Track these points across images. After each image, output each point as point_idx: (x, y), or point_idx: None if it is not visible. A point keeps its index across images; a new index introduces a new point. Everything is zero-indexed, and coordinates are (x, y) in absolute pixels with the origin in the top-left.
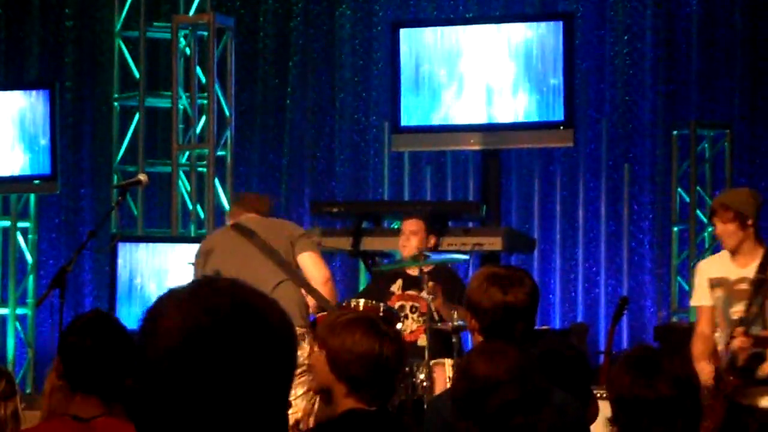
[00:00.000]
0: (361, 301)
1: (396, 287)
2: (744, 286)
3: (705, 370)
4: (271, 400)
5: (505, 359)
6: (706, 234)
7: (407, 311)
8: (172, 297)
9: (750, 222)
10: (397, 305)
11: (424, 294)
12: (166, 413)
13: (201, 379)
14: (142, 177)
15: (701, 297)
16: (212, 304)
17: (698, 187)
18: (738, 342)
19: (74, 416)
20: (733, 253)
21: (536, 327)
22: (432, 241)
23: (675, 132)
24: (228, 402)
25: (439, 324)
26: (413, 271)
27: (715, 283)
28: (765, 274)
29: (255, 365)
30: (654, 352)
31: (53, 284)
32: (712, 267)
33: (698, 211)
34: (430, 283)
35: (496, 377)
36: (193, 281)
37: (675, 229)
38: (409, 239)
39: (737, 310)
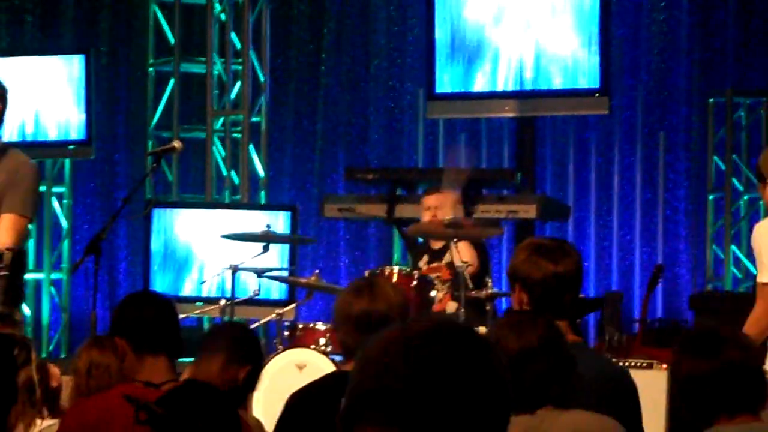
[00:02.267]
0: (395, 268)
1: (423, 263)
2: None
3: None
4: None
5: (535, 330)
6: (741, 202)
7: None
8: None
9: None
10: None
11: (456, 261)
12: None
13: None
14: (177, 144)
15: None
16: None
17: (734, 155)
18: None
19: (145, 382)
20: None
21: None
22: (460, 211)
23: (711, 99)
24: None
25: (473, 292)
26: (437, 245)
27: None
28: None
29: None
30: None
31: (88, 251)
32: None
33: (734, 179)
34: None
35: (529, 348)
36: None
37: (710, 197)
38: (425, 215)
39: None
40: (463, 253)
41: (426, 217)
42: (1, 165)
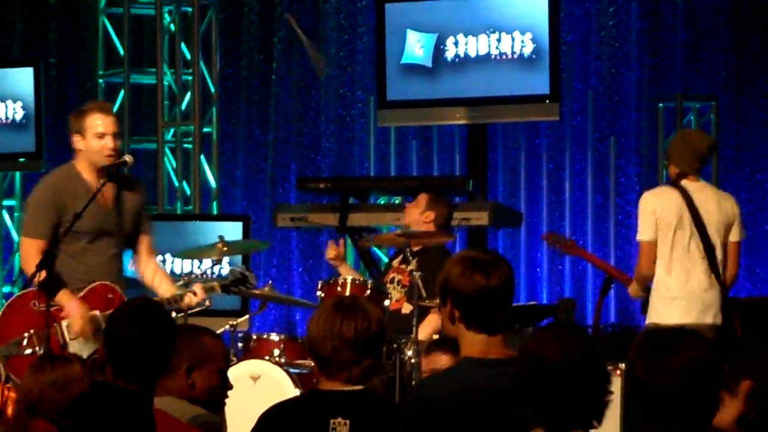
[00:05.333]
0: (349, 278)
1: (396, 261)
2: None
3: None
4: None
5: (573, 342)
6: None
7: (391, 282)
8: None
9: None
10: (389, 278)
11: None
12: None
13: None
14: (128, 158)
15: None
16: None
17: None
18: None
19: None
20: None
21: (523, 303)
22: (431, 215)
23: (661, 104)
24: None
25: (426, 301)
26: (417, 247)
27: None
28: None
29: None
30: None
31: (40, 266)
32: None
33: None
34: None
35: (568, 359)
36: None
37: None
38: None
39: None
40: None
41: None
42: (126, 193)
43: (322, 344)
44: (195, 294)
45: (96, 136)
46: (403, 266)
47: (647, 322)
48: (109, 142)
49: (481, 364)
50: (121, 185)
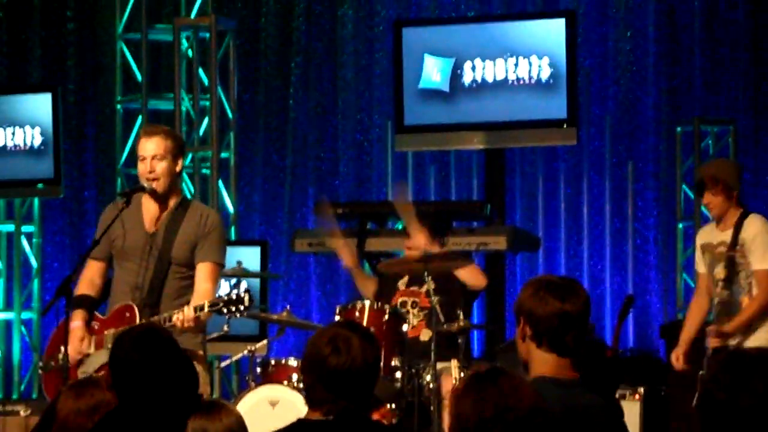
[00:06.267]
0: (367, 303)
1: (402, 283)
2: (723, 249)
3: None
4: None
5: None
6: None
7: (408, 307)
8: None
9: (735, 193)
10: (399, 301)
11: (424, 289)
12: None
13: None
14: (146, 183)
15: (697, 264)
16: None
17: None
18: (711, 343)
19: None
20: (716, 220)
21: None
22: (436, 245)
23: (679, 128)
24: None
25: (444, 326)
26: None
27: (703, 249)
28: (734, 251)
29: None
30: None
31: (58, 293)
32: (702, 234)
33: (703, 207)
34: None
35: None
36: None
37: (680, 225)
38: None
39: (718, 272)
40: (472, 276)
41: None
42: (187, 217)
43: (304, 374)
44: (183, 312)
45: (140, 160)
46: (415, 288)
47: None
48: (146, 166)
49: (556, 384)
50: (181, 212)
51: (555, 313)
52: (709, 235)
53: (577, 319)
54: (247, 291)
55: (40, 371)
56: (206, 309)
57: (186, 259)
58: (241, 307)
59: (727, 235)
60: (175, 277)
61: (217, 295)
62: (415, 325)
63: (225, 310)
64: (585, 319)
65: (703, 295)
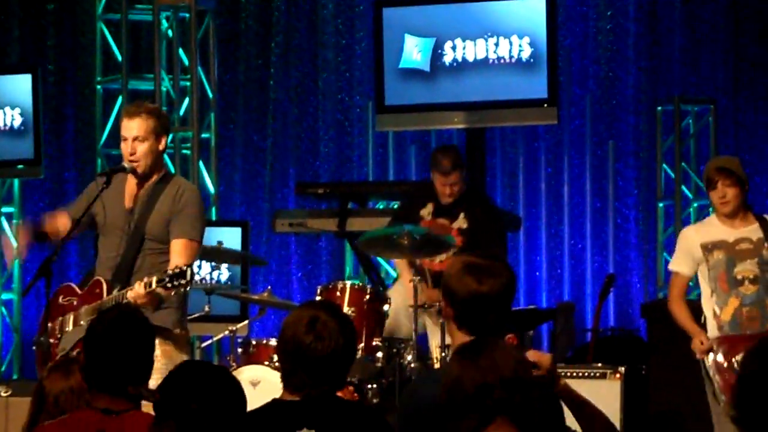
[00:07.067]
0: (348, 283)
1: (426, 212)
2: (746, 245)
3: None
4: None
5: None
6: (691, 209)
7: None
8: None
9: (746, 187)
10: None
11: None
12: None
13: None
14: (127, 164)
15: (680, 264)
16: None
17: (683, 163)
18: None
19: (104, 409)
20: (729, 216)
21: (522, 307)
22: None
23: (659, 108)
24: None
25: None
26: (447, 200)
27: (712, 247)
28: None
29: None
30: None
31: (39, 274)
32: (700, 233)
33: (683, 187)
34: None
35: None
36: None
37: (660, 204)
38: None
39: (742, 269)
40: None
41: (446, 191)
42: (165, 192)
43: (282, 359)
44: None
45: (122, 140)
46: (444, 221)
47: None
48: (128, 147)
49: None
50: (159, 188)
51: (473, 294)
52: (714, 233)
53: (495, 300)
54: (189, 266)
55: (33, 347)
56: (154, 285)
57: (162, 235)
58: (183, 281)
59: (748, 232)
60: (152, 252)
61: (208, 276)
62: (443, 260)
63: (170, 285)
64: (505, 301)
65: (683, 298)
